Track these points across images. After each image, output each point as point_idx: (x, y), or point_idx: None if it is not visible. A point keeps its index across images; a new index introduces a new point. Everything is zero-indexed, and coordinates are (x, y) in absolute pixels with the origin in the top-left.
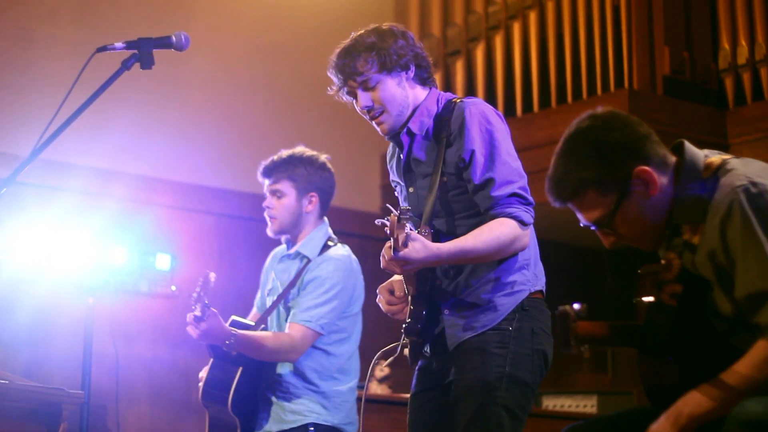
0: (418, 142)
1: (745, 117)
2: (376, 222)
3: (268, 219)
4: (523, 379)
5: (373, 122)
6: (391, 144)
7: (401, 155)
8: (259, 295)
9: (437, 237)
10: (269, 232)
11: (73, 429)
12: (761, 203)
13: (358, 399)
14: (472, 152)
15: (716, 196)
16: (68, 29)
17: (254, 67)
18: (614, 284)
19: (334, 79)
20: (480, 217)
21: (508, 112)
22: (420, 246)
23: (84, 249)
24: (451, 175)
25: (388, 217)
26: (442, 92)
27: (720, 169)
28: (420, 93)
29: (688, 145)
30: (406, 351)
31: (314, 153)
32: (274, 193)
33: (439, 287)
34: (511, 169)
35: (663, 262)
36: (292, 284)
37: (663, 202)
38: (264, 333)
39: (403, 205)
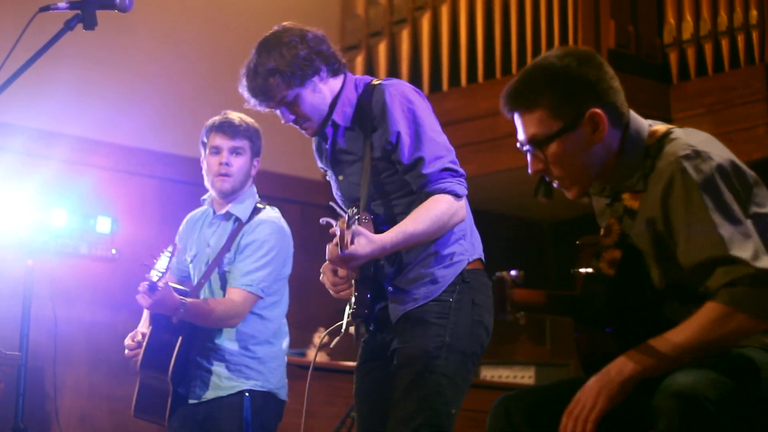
0: (342, 131)
1: (688, 92)
2: (321, 221)
3: (219, 178)
4: (462, 349)
5: (298, 127)
6: None
7: (326, 145)
8: (174, 259)
9: (376, 220)
10: (223, 189)
11: (10, 390)
12: (705, 172)
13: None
14: (398, 134)
15: (659, 165)
16: None
17: (197, 30)
18: (555, 256)
19: (249, 99)
20: (414, 195)
21: (453, 83)
22: (365, 241)
23: (24, 210)
24: (380, 160)
25: (337, 222)
26: (357, 77)
27: (664, 138)
28: (335, 84)
29: (632, 113)
30: (351, 329)
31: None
32: (234, 150)
33: (381, 269)
34: (438, 145)
35: (603, 229)
36: (226, 248)
37: (603, 155)
38: (208, 300)
39: (337, 193)
